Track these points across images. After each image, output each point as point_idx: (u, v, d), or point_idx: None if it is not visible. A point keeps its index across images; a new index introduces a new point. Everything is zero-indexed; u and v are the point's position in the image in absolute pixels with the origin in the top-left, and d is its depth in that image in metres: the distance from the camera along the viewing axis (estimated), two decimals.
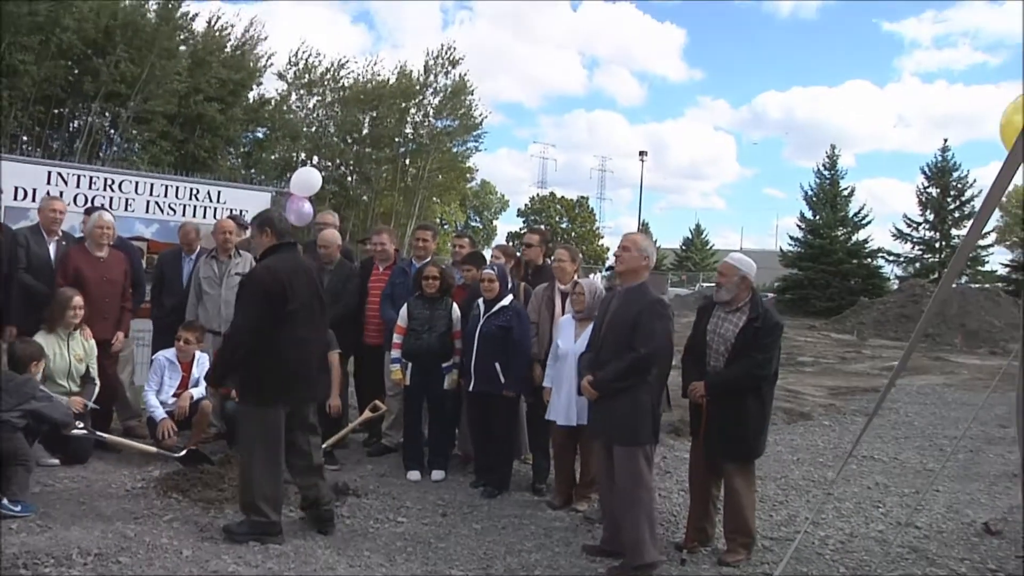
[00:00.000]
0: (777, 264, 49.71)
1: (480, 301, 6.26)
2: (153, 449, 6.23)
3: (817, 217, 46.79)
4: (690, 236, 72.10)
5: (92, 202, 7.88)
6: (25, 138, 29.48)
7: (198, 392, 6.58)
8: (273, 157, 35.53)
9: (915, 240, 45.85)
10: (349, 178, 40.54)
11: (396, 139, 39.72)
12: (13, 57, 25.76)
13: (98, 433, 6.16)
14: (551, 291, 6.42)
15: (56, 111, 30.22)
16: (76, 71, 28.92)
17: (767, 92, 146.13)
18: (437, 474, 6.44)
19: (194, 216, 8.48)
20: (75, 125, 31.64)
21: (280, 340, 4.81)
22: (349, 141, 38.92)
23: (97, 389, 6.44)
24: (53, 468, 5.94)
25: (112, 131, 31.44)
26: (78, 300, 6.26)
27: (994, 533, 5.75)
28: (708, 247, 70.25)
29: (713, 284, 5.23)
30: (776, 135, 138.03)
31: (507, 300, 6.21)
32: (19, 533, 4.66)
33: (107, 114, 30.54)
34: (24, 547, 4.44)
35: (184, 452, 6.13)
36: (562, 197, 72.29)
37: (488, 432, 6.27)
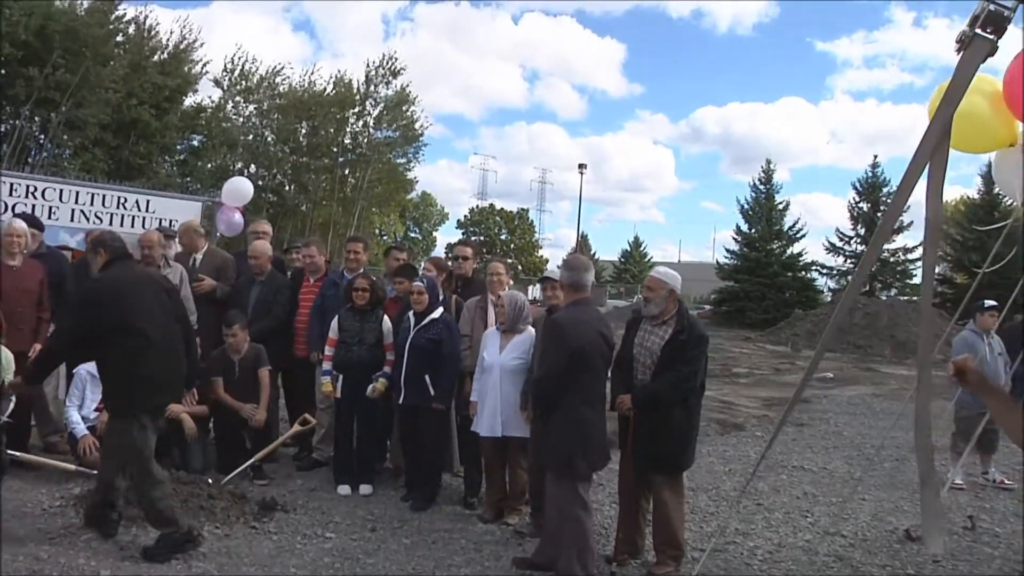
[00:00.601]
0: (714, 276, 50.56)
1: (411, 314, 6.21)
2: (72, 467, 6.01)
3: (753, 230, 47.75)
4: (629, 249, 72.94)
5: (13, 210, 7.62)
6: None
7: None
8: (209, 166, 34.93)
9: (847, 253, 47.03)
10: (287, 187, 40.05)
11: (334, 149, 39.39)
12: None
13: (9, 451, 5.90)
14: (484, 303, 6.42)
15: None
16: (3, 72, 28.09)
17: (705, 107, 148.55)
18: (365, 488, 6.35)
19: (121, 225, 8.27)
20: (1, 129, 30.70)
21: (132, 352, 4.77)
22: (287, 150, 38.47)
23: (12, 405, 6.18)
24: None
25: (42, 136, 30.58)
26: None
27: (915, 539, 5.88)
28: (647, 259, 71.14)
29: (641, 298, 5.26)
30: (714, 149, 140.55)
31: (437, 313, 6.17)
32: None
33: (36, 119, 29.71)
34: None
35: None
36: (502, 209, 72.53)
37: (418, 445, 6.22)
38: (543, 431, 4.85)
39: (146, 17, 32.27)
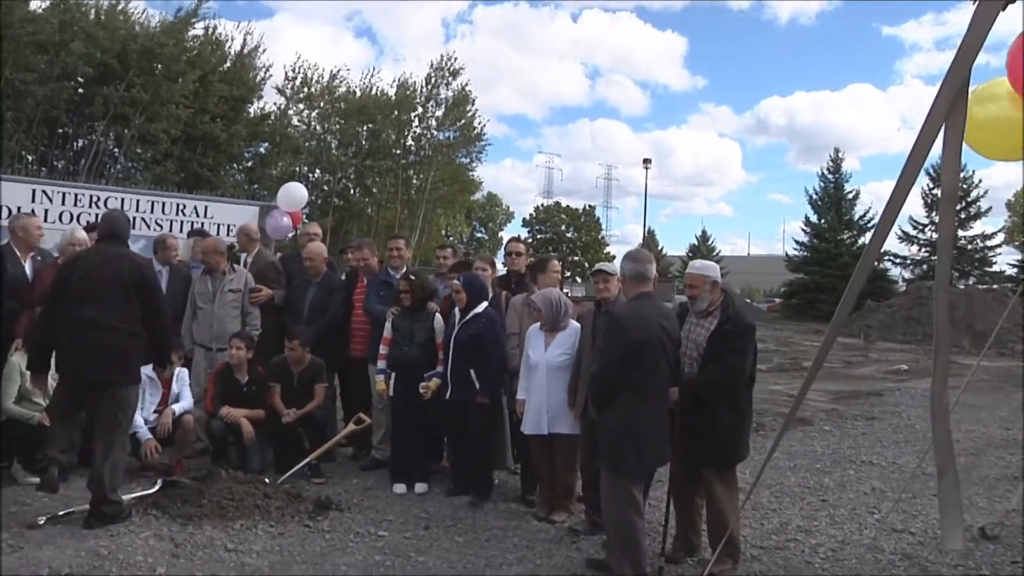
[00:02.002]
0: (784, 269, 49.67)
1: (456, 309, 6.24)
2: None
3: (822, 221, 46.74)
4: (696, 243, 71.90)
5: (78, 219, 7.83)
6: (30, 158, 29.65)
7: (180, 407, 6.49)
8: (275, 172, 35.56)
9: (921, 242, 45.68)
10: (352, 191, 40.55)
11: (396, 151, 39.72)
12: (15, 77, 25.94)
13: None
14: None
15: (60, 131, 30.39)
16: (81, 92, 29.13)
17: (770, 98, 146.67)
18: (420, 487, 6.34)
19: (181, 231, 8.44)
20: (79, 145, 31.81)
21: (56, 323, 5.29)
22: (349, 154, 38.91)
23: None
24: (29, 487, 5.86)
25: (116, 151, 31.58)
26: None
27: (990, 538, 5.62)
28: (715, 254, 70.03)
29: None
30: (780, 140, 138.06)
31: (481, 308, 6.18)
32: None
33: (111, 134, 30.70)
34: None
35: (158, 486, 5.80)
36: (567, 206, 72.20)
37: (466, 440, 6.21)
38: (597, 427, 4.76)
39: (215, 29, 33.06)
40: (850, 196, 47.20)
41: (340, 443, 7.04)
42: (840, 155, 48.69)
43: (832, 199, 46.91)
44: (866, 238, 45.89)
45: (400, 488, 6.32)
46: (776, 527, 5.84)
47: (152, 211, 8.43)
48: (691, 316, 5.00)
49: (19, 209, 7.68)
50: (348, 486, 6.45)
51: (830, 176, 47.77)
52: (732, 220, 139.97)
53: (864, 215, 46.68)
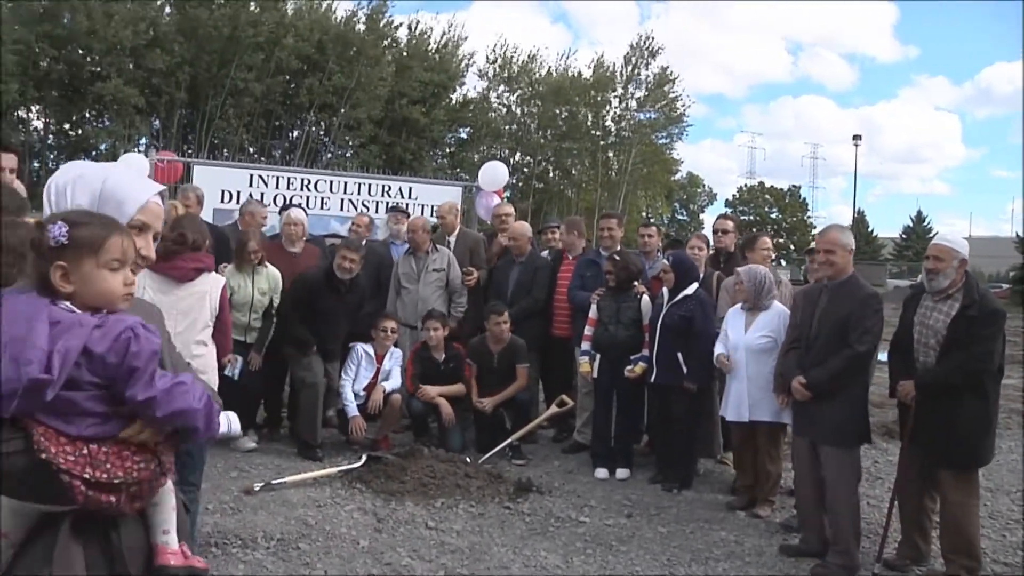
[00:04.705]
0: (1012, 251, 45.37)
1: (664, 290, 6.00)
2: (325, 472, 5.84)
3: None
4: (911, 224, 67.14)
5: (290, 201, 8.22)
6: (252, 149, 32.22)
7: (390, 386, 6.61)
8: (476, 156, 36.53)
9: None
10: (551, 173, 40.96)
11: (595, 132, 39.69)
12: (238, 77, 28.36)
13: (274, 481, 5.54)
14: None
15: (276, 123, 32.78)
16: (293, 85, 31.33)
17: (994, 65, 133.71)
18: (622, 472, 6.16)
19: (387, 212, 8.67)
20: (294, 135, 34.15)
21: None
22: (548, 137, 39.27)
23: (273, 326, 6.46)
24: (249, 453, 6.20)
25: (326, 139, 33.66)
26: (253, 245, 6.31)
27: None
28: (932, 235, 65.03)
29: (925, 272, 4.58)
30: (1006, 112, 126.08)
31: (691, 289, 5.91)
32: (213, 514, 4.88)
33: (321, 123, 32.79)
34: (216, 527, 4.68)
35: (363, 461, 5.96)
36: (771, 186, 69.64)
37: (670, 425, 5.98)
38: (831, 406, 4.52)
39: (418, 23, 34.63)
40: None
41: (542, 425, 6.98)
42: None
43: None
44: None
45: (602, 473, 6.18)
46: (1021, 541, 5.20)
47: (359, 193, 8.74)
48: (926, 300, 4.47)
49: (239, 193, 8.36)
50: (549, 469, 6.38)
51: None
52: (950, 199, 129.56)
53: None
